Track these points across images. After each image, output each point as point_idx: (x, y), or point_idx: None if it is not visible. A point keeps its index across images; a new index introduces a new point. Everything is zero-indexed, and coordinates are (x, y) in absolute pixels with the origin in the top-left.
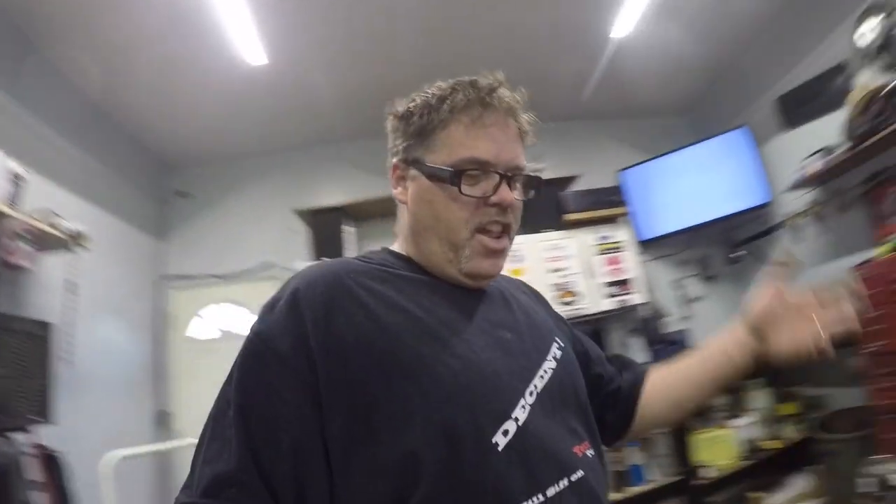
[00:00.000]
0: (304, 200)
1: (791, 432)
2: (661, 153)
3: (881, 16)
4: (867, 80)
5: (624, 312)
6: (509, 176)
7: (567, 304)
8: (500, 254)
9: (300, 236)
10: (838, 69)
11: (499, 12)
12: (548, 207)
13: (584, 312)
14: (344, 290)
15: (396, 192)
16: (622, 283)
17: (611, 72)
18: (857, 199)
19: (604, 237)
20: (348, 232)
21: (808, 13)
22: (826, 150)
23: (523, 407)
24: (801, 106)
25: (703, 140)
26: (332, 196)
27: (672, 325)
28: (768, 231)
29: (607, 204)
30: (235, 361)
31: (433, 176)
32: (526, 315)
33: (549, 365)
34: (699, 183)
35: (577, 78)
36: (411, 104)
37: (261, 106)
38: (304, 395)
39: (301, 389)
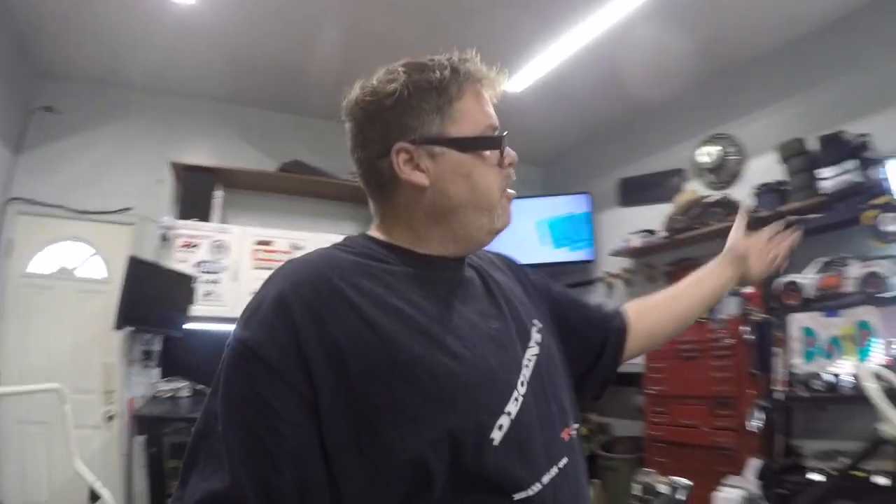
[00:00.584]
0: (177, 152)
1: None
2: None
3: (719, 147)
4: (695, 188)
5: None
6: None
7: None
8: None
9: (166, 189)
10: (676, 172)
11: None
12: None
13: None
14: (334, 292)
15: (412, 177)
16: None
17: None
18: (664, 275)
19: None
20: (217, 196)
21: (668, 123)
22: (648, 232)
23: (516, 399)
24: (639, 191)
25: (551, 194)
26: (206, 156)
27: None
28: (587, 283)
29: None
30: (219, 372)
31: (468, 147)
32: (507, 300)
33: (533, 351)
34: (539, 229)
35: None
36: (407, 81)
37: (164, 40)
38: (298, 405)
39: (295, 399)
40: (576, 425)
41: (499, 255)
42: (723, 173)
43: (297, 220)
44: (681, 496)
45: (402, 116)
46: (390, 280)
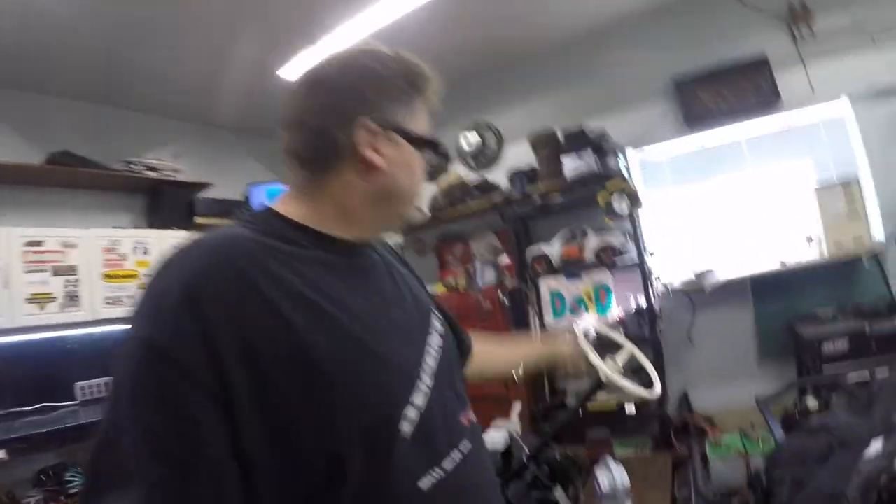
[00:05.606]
0: None
1: None
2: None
3: (480, 134)
4: (457, 171)
5: None
6: None
7: None
8: None
9: None
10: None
11: None
12: (180, 207)
13: None
14: (245, 284)
15: (372, 155)
16: None
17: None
18: (432, 249)
19: None
20: None
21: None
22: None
23: (423, 390)
24: None
25: None
26: None
27: None
28: None
29: (232, 214)
30: (120, 376)
31: (421, 144)
32: (408, 287)
33: (434, 339)
34: None
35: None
36: (390, 63)
37: None
38: (214, 408)
39: (210, 403)
40: (469, 408)
41: (388, 244)
42: (482, 158)
43: (69, 216)
44: None
45: (377, 96)
46: (300, 268)
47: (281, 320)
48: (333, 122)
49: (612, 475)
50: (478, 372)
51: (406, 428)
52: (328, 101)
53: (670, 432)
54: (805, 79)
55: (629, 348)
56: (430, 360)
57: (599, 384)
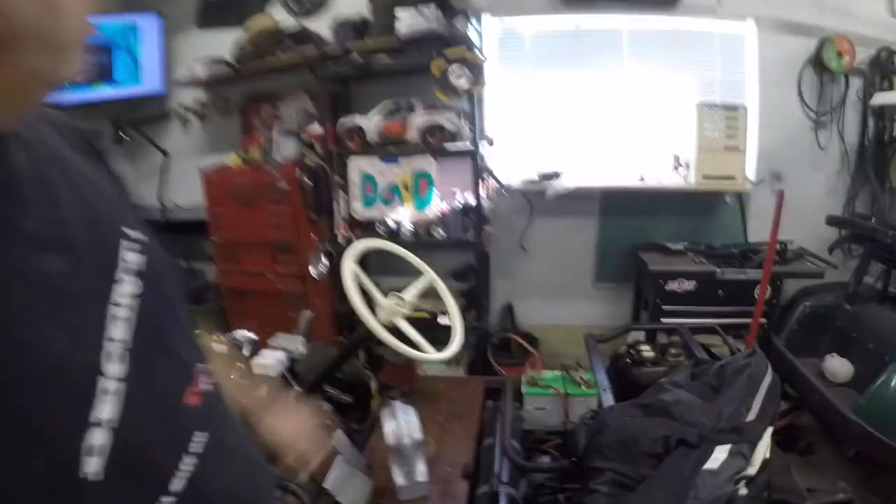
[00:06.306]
0: None
1: None
2: None
3: None
4: (272, 14)
5: None
6: None
7: None
8: None
9: None
10: None
11: None
12: None
13: None
14: None
15: None
16: None
17: None
18: (237, 109)
19: None
20: None
21: None
22: (219, 61)
23: (107, 389)
24: (220, 11)
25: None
26: None
27: None
28: (159, 118)
29: None
30: None
31: None
32: (82, 203)
33: (125, 288)
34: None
35: None
36: None
37: None
38: None
39: None
40: (203, 367)
41: (69, 125)
42: (306, 1)
43: None
44: (246, 351)
45: None
46: None
47: None
48: None
49: (399, 424)
50: None
51: (92, 467)
52: None
53: (487, 351)
54: None
55: (429, 278)
56: (118, 331)
57: (370, 336)
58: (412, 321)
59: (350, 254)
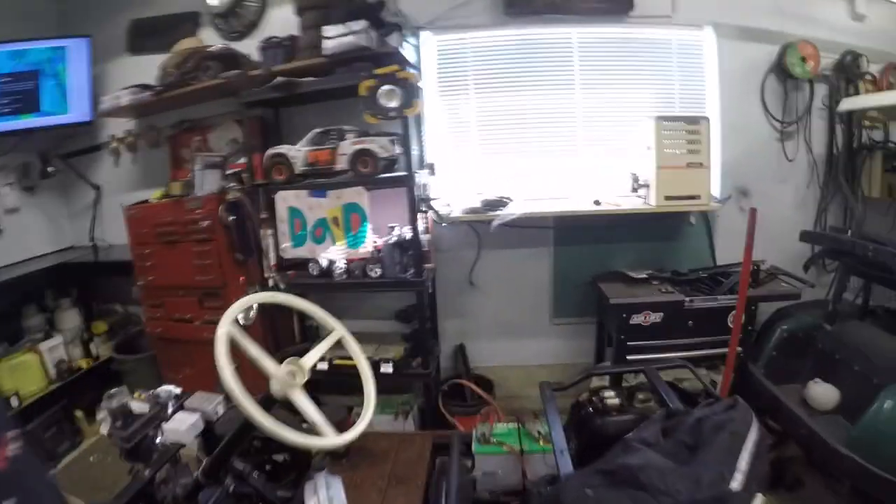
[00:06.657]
0: None
1: (103, 350)
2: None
3: None
4: (204, 38)
5: None
6: None
7: None
8: None
9: None
10: (192, 16)
11: None
12: None
13: None
14: None
15: None
16: None
17: None
18: (166, 140)
19: None
20: None
21: None
22: (142, 86)
23: None
24: (150, 36)
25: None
26: None
27: None
28: (90, 150)
29: None
30: None
31: None
32: None
33: None
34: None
35: None
36: None
37: None
38: None
39: None
40: (12, 434)
41: None
42: (238, 21)
43: None
44: (170, 409)
45: None
46: None
47: None
48: None
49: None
50: None
51: None
52: None
53: (438, 402)
54: None
55: (338, 334)
56: None
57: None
58: (341, 372)
59: (229, 314)
